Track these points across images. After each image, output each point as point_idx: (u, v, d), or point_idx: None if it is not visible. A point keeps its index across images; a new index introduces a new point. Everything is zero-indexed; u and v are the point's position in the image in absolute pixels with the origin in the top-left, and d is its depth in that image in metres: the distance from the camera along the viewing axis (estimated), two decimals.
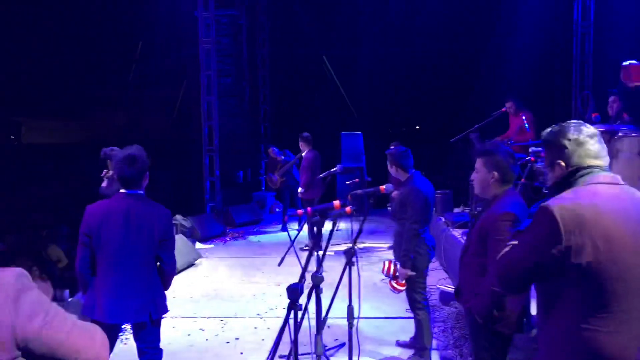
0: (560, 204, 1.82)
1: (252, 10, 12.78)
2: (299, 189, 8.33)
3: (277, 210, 11.45)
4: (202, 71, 10.05)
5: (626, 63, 2.19)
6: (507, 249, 1.95)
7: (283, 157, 9.40)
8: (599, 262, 1.74)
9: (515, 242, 1.94)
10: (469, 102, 11.45)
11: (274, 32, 13.08)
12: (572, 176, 1.97)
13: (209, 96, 10.11)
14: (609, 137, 4.34)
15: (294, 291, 2.24)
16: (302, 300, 2.52)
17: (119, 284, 3.05)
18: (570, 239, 1.75)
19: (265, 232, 9.90)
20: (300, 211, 2.87)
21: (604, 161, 1.96)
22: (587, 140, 1.96)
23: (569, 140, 2.00)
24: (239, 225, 10.19)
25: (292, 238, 3.08)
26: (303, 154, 8.40)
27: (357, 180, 9.23)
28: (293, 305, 2.24)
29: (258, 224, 10.56)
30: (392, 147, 8.10)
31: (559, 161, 2.00)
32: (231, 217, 10.21)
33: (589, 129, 2.00)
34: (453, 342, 4.67)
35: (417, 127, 14.65)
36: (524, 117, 6.94)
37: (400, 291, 4.14)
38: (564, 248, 1.75)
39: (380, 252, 8.12)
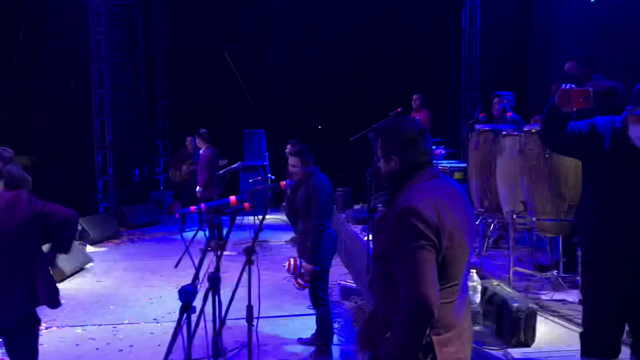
0: (420, 204, 1.92)
1: (148, 2, 12.23)
2: (197, 188, 8.02)
3: (176, 209, 11.02)
4: (92, 62, 9.46)
5: (566, 87, 2.22)
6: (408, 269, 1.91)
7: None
8: (449, 247, 1.92)
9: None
10: (369, 103, 11.78)
11: (172, 25, 12.60)
12: (407, 172, 2.06)
13: (100, 90, 9.55)
14: (493, 136, 4.65)
15: (186, 293, 2.13)
16: (200, 302, 2.41)
17: None
18: (437, 232, 1.90)
19: (163, 233, 9.51)
20: (193, 207, 2.73)
21: (431, 157, 2.11)
22: (419, 139, 2.06)
23: (405, 138, 2.06)
24: (135, 226, 9.70)
25: (191, 238, 2.93)
26: (200, 151, 8.11)
27: (259, 178, 9.17)
28: (186, 309, 2.12)
29: (156, 224, 10.12)
30: (289, 145, 8.18)
31: (394, 156, 2.07)
32: (126, 217, 9.69)
33: (421, 127, 2.10)
34: (354, 337, 4.76)
35: (319, 126, 14.81)
36: (418, 118, 7.24)
37: (305, 288, 4.14)
38: (435, 241, 1.89)
39: (282, 249, 8.11)
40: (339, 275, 6.38)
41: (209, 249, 2.50)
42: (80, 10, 9.96)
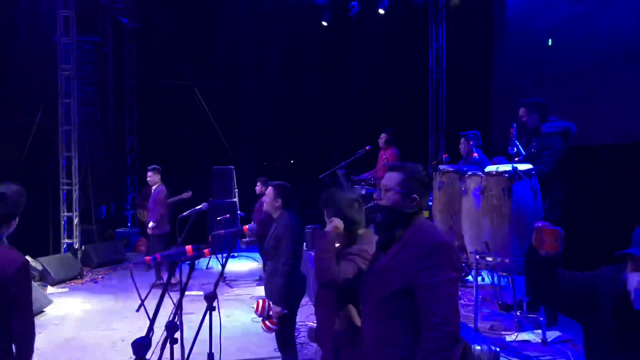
0: (449, 241, 2.26)
1: (118, 38, 12.24)
2: (150, 224, 7.89)
3: (143, 248, 10.78)
4: (60, 98, 9.36)
5: (538, 225, 2.04)
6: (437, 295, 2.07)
7: None
8: None
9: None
10: (338, 140, 11.89)
11: (142, 61, 12.61)
12: (418, 212, 2.24)
13: (67, 126, 9.41)
14: (459, 177, 4.73)
15: (139, 346, 2.06)
16: (156, 352, 2.34)
17: None
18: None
19: (128, 272, 9.25)
20: (147, 258, 2.68)
21: None
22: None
23: (426, 182, 2.30)
24: (99, 265, 9.42)
25: (147, 291, 2.85)
26: (155, 187, 7.99)
27: (227, 215, 9.09)
28: None
29: (121, 263, 9.86)
30: (259, 183, 8.14)
31: (416, 195, 2.22)
32: (90, 256, 9.42)
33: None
34: None
35: (292, 161, 14.86)
36: (385, 157, 7.36)
37: (273, 330, 4.06)
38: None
39: (249, 288, 7.99)
40: (307, 315, 6.29)
41: (164, 296, 2.44)
42: (46, 46, 9.90)
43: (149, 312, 3.20)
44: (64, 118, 9.41)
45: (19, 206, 2.65)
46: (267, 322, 3.96)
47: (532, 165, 4.08)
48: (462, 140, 5.93)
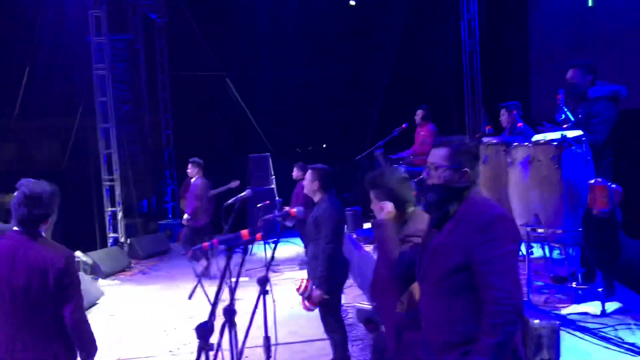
0: (507, 214, 2.17)
1: (149, 34, 12.39)
2: (184, 216, 7.97)
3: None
4: (96, 98, 9.56)
5: (592, 181, 1.91)
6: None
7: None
8: None
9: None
10: (373, 120, 11.78)
11: (173, 55, 12.75)
12: (471, 185, 2.17)
13: (105, 124, 9.62)
14: (504, 148, 4.60)
15: (203, 331, 2.09)
16: (215, 337, 2.37)
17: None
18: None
19: (174, 263, 9.47)
20: (205, 244, 2.72)
21: None
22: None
23: (475, 154, 2.23)
24: (146, 257, 9.67)
25: (201, 271, 2.90)
26: (192, 180, 8.02)
27: (267, 202, 9.14)
28: (204, 347, 2.08)
29: (166, 254, 10.08)
30: (295, 168, 8.15)
31: (467, 169, 2.15)
32: (136, 249, 9.67)
33: None
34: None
35: (324, 145, 14.84)
36: (422, 133, 7.23)
37: (312, 309, 4.08)
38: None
39: (293, 272, 8.06)
40: (353, 296, 6.31)
41: (223, 281, 2.47)
42: (80, 47, 10.10)
43: (198, 299, 3.27)
44: (101, 116, 9.61)
45: (53, 206, 2.75)
46: (306, 302, 3.97)
47: (582, 131, 3.93)
48: (503, 111, 5.75)
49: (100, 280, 8.11)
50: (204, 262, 7.52)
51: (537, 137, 4.04)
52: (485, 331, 1.97)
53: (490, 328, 1.96)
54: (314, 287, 3.95)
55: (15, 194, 2.74)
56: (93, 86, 9.58)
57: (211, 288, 2.86)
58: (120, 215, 9.74)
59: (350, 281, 6.77)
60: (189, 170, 8.11)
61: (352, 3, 11.27)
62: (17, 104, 11.84)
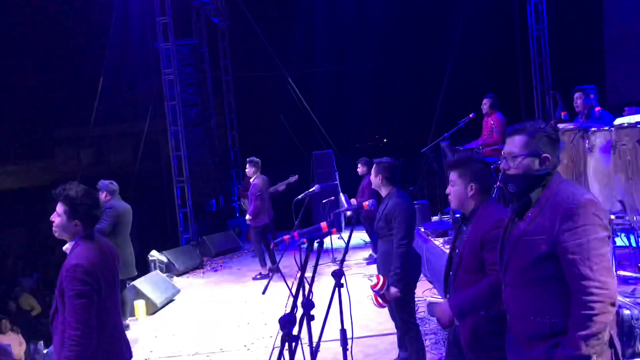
0: (596, 199, 2.02)
1: (212, 38, 12.74)
2: (247, 217, 8.00)
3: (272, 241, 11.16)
4: (166, 102, 9.93)
5: None
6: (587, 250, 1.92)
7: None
8: None
9: None
10: (436, 110, 11.57)
11: (235, 57, 13.06)
12: (553, 171, 2.08)
13: (175, 127, 9.98)
14: (582, 134, 4.39)
15: (287, 322, 2.12)
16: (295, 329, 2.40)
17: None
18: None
19: (244, 260, 9.71)
20: (286, 237, 2.76)
21: None
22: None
23: (553, 138, 2.11)
24: (217, 254, 9.96)
25: (277, 264, 2.95)
26: (252, 180, 7.99)
27: (333, 198, 9.18)
28: (288, 338, 2.12)
29: (236, 251, 10.34)
30: (360, 164, 8.11)
31: (547, 155, 2.07)
32: (208, 247, 9.98)
33: None
34: (446, 353, 4.59)
35: (385, 140, 14.73)
36: (492, 122, 7.01)
37: (384, 306, 4.03)
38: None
39: (360, 267, 8.04)
40: (423, 291, 6.22)
41: (303, 274, 2.50)
42: (149, 54, 10.54)
43: (270, 295, 3.31)
44: (171, 119, 9.96)
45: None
46: (379, 298, 3.91)
47: None
48: (577, 95, 5.45)
49: (174, 277, 8.43)
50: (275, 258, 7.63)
51: (619, 121, 3.82)
52: (576, 322, 1.89)
53: (582, 319, 1.87)
54: (389, 285, 3.89)
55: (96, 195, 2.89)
56: (162, 91, 9.95)
57: (281, 283, 2.89)
58: (191, 214, 10.07)
59: (420, 276, 6.69)
60: (247, 170, 8.21)
61: None
62: (93, 112, 12.54)
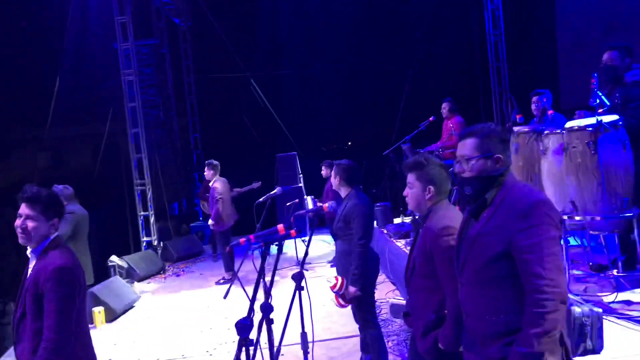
0: (548, 199, 2.05)
1: (173, 38, 12.55)
2: (210, 222, 7.94)
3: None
4: (126, 103, 9.71)
5: None
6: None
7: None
8: None
9: None
10: (398, 114, 11.72)
11: (197, 58, 12.90)
12: (506, 171, 2.13)
13: (135, 128, 9.77)
14: (536, 136, 4.52)
15: (243, 327, 2.10)
16: (253, 333, 2.39)
17: None
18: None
19: (207, 264, 9.59)
20: (242, 240, 2.73)
21: None
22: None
23: (503, 139, 2.17)
24: (179, 259, 9.81)
25: (237, 269, 2.92)
26: (211, 184, 7.92)
27: (297, 201, 9.17)
28: (244, 342, 2.10)
29: (199, 255, 10.21)
30: (323, 166, 8.16)
31: (499, 155, 2.11)
32: (169, 251, 9.81)
33: None
34: (408, 354, 4.64)
35: (349, 143, 14.82)
36: (451, 125, 7.15)
37: (345, 306, 4.07)
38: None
39: (324, 269, 8.07)
40: (386, 292, 6.28)
41: (260, 278, 2.48)
42: (107, 54, 10.29)
43: (232, 299, 3.28)
44: (131, 121, 9.76)
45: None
46: (340, 300, 3.96)
47: (618, 116, 3.83)
48: (535, 98, 5.62)
49: (135, 283, 8.25)
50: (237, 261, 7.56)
51: (570, 124, 3.95)
52: (529, 320, 1.93)
53: (535, 317, 1.91)
54: (348, 284, 3.94)
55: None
56: (122, 92, 9.74)
57: (246, 287, 2.88)
58: (152, 218, 9.88)
59: (382, 277, 6.75)
60: (205, 173, 8.11)
61: None
62: (49, 113, 12.15)
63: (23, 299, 2.62)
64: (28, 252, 2.72)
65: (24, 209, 2.65)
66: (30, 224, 2.64)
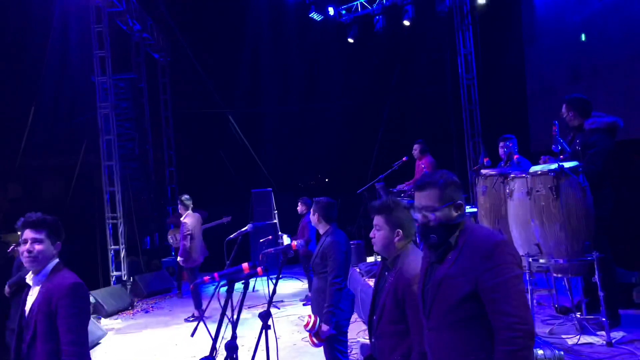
0: (506, 239, 2.15)
1: (152, 73, 12.63)
2: (178, 258, 7.82)
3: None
4: (101, 136, 9.67)
5: None
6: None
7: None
8: None
9: None
10: (373, 153, 11.89)
11: (176, 93, 12.98)
12: (463, 215, 2.19)
13: (109, 161, 9.70)
14: (502, 179, 4.65)
15: None
16: None
17: None
18: None
19: (177, 301, 9.41)
20: (206, 278, 2.72)
21: None
22: None
23: (458, 182, 2.24)
24: (149, 295, 9.60)
25: (204, 307, 2.89)
26: (182, 219, 7.87)
27: (270, 237, 9.15)
28: None
29: (169, 292, 10.02)
30: (300, 203, 8.20)
31: (460, 202, 2.18)
32: (139, 287, 9.61)
33: None
34: None
35: (326, 179, 14.91)
36: (422, 165, 7.29)
37: (319, 346, 4.03)
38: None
39: (296, 308, 7.99)
40: (357, 332, 6.23)
41: (224, 316, 2.47)
42: (84, 87, 10.29)
43: (201, 337, 3.24)
44: (105, 154, 9.69)
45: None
46: (314, 338, 3.93)
47: (578, 162, 3.98)
48: (502, 144, 5.82)
49: (102, 319, 8.04)
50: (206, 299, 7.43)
51: (534, 168, 4.08)
52: (500, 358, 1.96)
53: (504, 355, 1.95)
54: (320, 322, 3.91)
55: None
56: (97, 125, 9.70)
57: (213, 325, 2.86)
58: (123, 253, 9.71)
59: (354, 316, 6.71)
60: (179, 208, 8.07)
61: (350, 40, 11.53)
62: (22, 143, 12.00)
63: (32, 322, 2.63)
64: (29, 279, 2.76)
65: (29, 234, 2.71)
66: (37, 247, 2.70)
